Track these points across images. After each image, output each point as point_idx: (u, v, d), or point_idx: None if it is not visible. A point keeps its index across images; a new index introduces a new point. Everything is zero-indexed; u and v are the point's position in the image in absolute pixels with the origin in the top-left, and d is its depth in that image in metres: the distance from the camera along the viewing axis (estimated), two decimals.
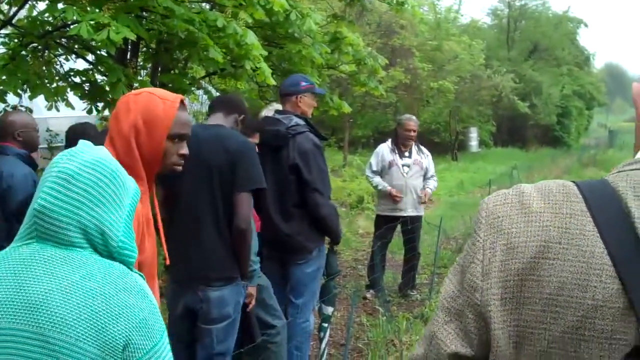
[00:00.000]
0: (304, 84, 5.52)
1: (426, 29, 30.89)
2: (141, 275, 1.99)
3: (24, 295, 1.77)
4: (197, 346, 4.29)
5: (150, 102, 2.69)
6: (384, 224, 8.51)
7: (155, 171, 2.77)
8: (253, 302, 4.53)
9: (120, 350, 1.77)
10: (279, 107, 5.68)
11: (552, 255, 1.43)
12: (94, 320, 1.76)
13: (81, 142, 1.99)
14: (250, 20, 6.41)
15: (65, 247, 1.84)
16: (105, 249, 1.89)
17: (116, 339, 1.76)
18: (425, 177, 8.60)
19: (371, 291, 8.46)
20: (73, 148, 1.96)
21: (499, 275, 1.48)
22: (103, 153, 1.96)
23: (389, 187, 8.35)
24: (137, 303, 1.84)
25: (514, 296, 1.45)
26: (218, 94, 10.11)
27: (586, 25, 49.08)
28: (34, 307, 1.75)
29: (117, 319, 1.78)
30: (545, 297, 1.42)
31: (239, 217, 4.13)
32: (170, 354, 1.94)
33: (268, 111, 5.89)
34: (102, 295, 1.79)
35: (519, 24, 46.00)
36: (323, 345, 5.69)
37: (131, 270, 1.95)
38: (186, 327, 4.30)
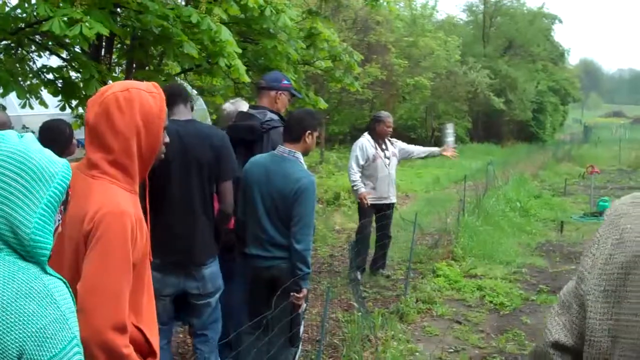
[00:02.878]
0: (285, 82, 5.79)
1: (402, 25, 31.03)
2: (60, 278, 1.90)
3: None
4: (192, 321, 4.83)
5: (143, 99, 2.65)
6: (370, 210, 9.26)
7: (148, 167, 2.76)
8: (304, 303, 4.93)
9: (15, 359, 1.69)
10: (241, 102, 5.88)
11: None
12: None
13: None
14: (224, 17, 6.39)
15: None
16: (22, 248, 1.81)
17: (9, 349, 1.68)
18: (405, 158, 9.81)
19: (358, 272, 8.71)
20: None
21: (604, 268, 1.52)
22: (14, 145, 1.84)
23: (363, 191, 9.12)
24: (38, 310, 1.74)
25: (617, 289, 1.48)
26: (194, 90, 10.09)
27: (561, 22, 49.47)
28: None
29: (12, 327, 1.70)
30: (630, 289, 1.44)
31: (226, 203, 4.72)
32: None
33: (229, 105, 6.05)
34: (0, 302, 1.71)
35: (495, 20, 46.20)
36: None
37: (45, 271, 1.86)
38: (168, 307, 4.61)
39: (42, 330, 1.73)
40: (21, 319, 1.71)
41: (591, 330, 1.51)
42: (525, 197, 16.73)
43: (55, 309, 1.78)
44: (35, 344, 1.71)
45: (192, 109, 4.89)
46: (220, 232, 4.80)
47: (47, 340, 1.74)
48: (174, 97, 4.70)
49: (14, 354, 1.69)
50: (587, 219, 14.57)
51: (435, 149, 10.14)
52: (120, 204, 2.55)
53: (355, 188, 9.33)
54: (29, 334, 1.71)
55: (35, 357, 1.71)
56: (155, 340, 2.74)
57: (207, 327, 4.77)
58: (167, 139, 2.85)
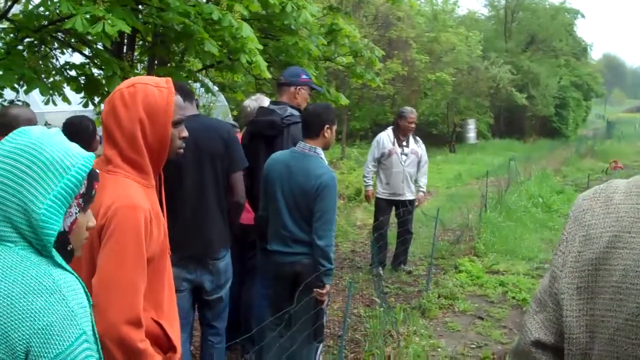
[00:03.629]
0: (304, 76, 5.78)
1: (423, 20, 30.89)
2: (72, 273, 1.92)
3: None
4: (204, 312, 4.83)
5: (148, 92, 2.66)
6: (385, 206, 9.39)
7: (162, 161, 2.77)
8: (326, 299, 4.97)
9: (22, 356, 1.71)
10: (262, 98, 5.90)
11: (621, 245, 1.48)
12: None
13: (18, 129, 1.95)
14: (245, 13, 6.41)
15: None
16: (34, 236, 1.84)
17: (17, 345, 1.70)
18: (419, 164, 9.39)
19: (380, 268, 8.79)
20: (5, 137, 1.93)
21: (574, 265, 1.54)
22: (28, 139, 1.90)
23: (369, 189, 9.65)
24: (45, 307, 1.75)
25: (589, 286, 1.50)
26: (215, 87, 10.12)
27: (583, 16, 49.17)
28: None
29: (19, 324, 1.71)
30: (612, 285, 1.46)
31: (238, 193, 4.75)
32: None
33: (250, 101, 6.08)
34: (9, 297, 1.73)
35: (516, 15, 45.86)
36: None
37: (56, 266, 1.88)
38: (187, 300, 4.60)
39: (48, 327, 1.74)
40: (28, 315, 1.72)
41: (569, 327, 1.53)
42: (547, 192, 16.61)
43: (63, 306, 1.79)
44: (42, 340, 1.73)
45: (197, 106, 4.97)
46: (233, 223, 4.84)
47: (54, 337, 1.75)
48: (180, 93, 4.75)
49: (22, 350, 1.71)
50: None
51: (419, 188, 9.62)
52: (133, 197, 2.57)
53: (363, 184, 9.92)
54: (35, 331, 1.72)
55: (41, 354, 1.73)
56: (175, 336, 2.75)
57: (217, 318, 4.84)
58: (184, 133, 2.87)
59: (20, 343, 1.70)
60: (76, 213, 1.98)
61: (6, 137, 1.91)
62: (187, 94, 4.78)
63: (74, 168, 1.92)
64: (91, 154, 2.03)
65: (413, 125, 9.34)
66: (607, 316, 1.46)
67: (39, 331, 1.72)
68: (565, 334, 1.55)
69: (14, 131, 1.93)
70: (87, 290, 1.97)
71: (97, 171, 2.09)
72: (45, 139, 1.91)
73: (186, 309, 4.60)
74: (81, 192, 1.97)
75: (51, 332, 1.74)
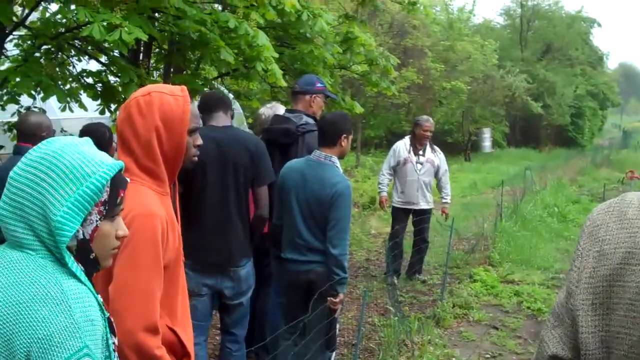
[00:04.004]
0: (319, 85, 5.79)
1: (439, 29, 30.92)
2: (86, 285, 1.92)
3: None
4: (224, 318, 4.91)
5: (164, 101, 2.67)
6: (401, 215, 9.42)
7: (177, 169, 2.77)
8: (339, 308, 4.98)
9: None
10: (278, 106, 5.92)
11: (634, 262, 1.47)
12: (2, 329, 1.73)
13: (47, 139, 1.97)
14: (261, 21, 6.42)
15: (18, 249, 1.85)
16: (57, 248, 1.86)
17: (18, 351, 1.71)
18: (437, 174, 9.38)
19: (395, 277, 8.77)
20: (33, 147, 1.96)
21: (589, 282, 1.53)
22: (50, 148, 1.92)
23: (383, 195, 9.66)
24: (48, 317, 1.75)
25: (604, 302, 1.49)
26: (231, 94, 10.14)
27: (599, 25, 48.96)
28: None
29: (21, 331, 1.73)
30: (626, 302, 1.45)
31: (261, 207, 4.83)
32: None
33: (266, 109, 6.08)
34: (17, 304, 1.74)
35: (532, 24, 45.76)
36: None
37: (73, 277, 1.88)
38: (206, 306, 4.73)
39: (48, 337, 1.74)
40: (31, 324, 1.73)
41: (585, 344, 1.52)
42: (563, 202, 16.55)
43: (67, 317, 1.79)
44: (41, 350, 1.73)
45: (232, 117, 5.01)
46: (255, 235, 4.90)
47: (53, 347, 1.74)
48: (213, 104, 4.91)
49: (22, 357, 1.71)
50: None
51: (442, 199, 9.74)
52: (150, 205, 2.57)
53: (378, 190, 9.94)
54: (35, 340, 1.72)
55: None
56: (189, 342, 2.76)
57: (236, 325, 4.89)
58: (199, 142, 2.88)
59: (21, 350, 1.71)
60: (97, 220, 1.97)
61: (34, 148, 1.94)
62: (223, 105, 4.92)
63: (94, 175, 1.92)
64: (120, 162, 2.03)
65: (429, 134, 9.30)
66: (621, 333, 1.45)
67: (39, 340, 1.73)
68: (582, 349, 1.54)
69: (42, 142, 1.95)
70: (101, 304, 1.96)
71: (127, 179, 2.10)
72: (68, 147, 1.93)
73: (204, 313, 4.71)
74: (103, 199, 1.97)
75: (51, 342, 1.74)
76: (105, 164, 1.97)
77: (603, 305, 1.49)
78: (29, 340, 1.72)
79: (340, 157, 5.01)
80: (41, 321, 1.74)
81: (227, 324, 4.89)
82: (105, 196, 1.97)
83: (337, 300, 4.81)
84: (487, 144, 36.62)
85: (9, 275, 1.80)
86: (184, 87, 2.78)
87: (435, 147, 9.57)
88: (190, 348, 2.75)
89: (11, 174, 1.88)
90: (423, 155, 9.25)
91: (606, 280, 1.50)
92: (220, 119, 4.86)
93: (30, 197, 1.85)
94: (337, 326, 5.39)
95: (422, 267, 9.73)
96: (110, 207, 2.00)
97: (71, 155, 1.91)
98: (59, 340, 1.75)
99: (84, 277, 1.92)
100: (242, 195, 4.75)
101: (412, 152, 9.22)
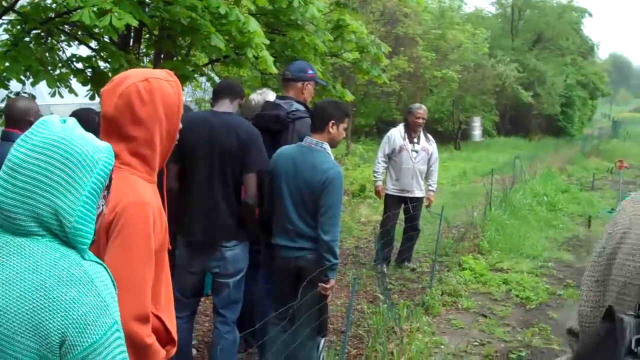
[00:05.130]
0: (310, 72, 5.80)
1: (430, 17, 30.83)
2: (100, 264, 1.92)
3: None
4: (214, 298, 5.04)
5: (164, 89, 2.64)
6: (394, 202, 9.38)
7: (166, 157, 2.75)
8: (330, 293, 4.98)
9: (57, 346, 1.72)
10: (269, 92, 5.92)
11: (625, 240, 1.55)
12: (32, 314, 1.71)
13: (40, 120, 1.91)
14: (252, 8, 6.42)
15: (22, 236, 1.80)
16: (64, 234, 1.83)
17: (52, 335, 1.71)
18: (429, 162, 9.37)
19: (384, 265, 8.79)
20: (28, 130, 1.89)
21: (597, 260, 1.61)
22: (58, 132, 1.87)
23: (379, 184, 9.51)
24: (79, 297, 1.76)
25: (605, 279, 1.58)
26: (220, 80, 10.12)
27: (590, 15, 48.95)
28: None
29: (54, 313, 1.72)
30: (620, 281, 1.53)
31: (248, 194, 4.82)
32: (120, 349, 1.87)
33: (256, 95, 6.07)
34: (44, 289, 1.73)
35: (523, 14, 45.80)
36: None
37: (84, 257, 1.87)
38: (195, 283, 4.95)
39: (83, 317, 1.75)
40: (63, 305, 1.73)
41: (583, 316, 1.60)
42: (552, 191, 16.60)
43: (96, 296, 1.80)
44: (77, 330, 1.74)
45: (239, 105, 5.15)
46: (246, 222, 4.91)
47: (89, 327, 1.76)
48: (221, 90, 5.08)
49: (56, 340, 1.72)
50: (614, 214, 14.41)
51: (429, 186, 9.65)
52: (142, 194, 2.56)
53: (373, 179, 9.81)
54: (70, 321, 1.73)
55: (77, 343, 1.74)
56: (173, 329, 2.75)
57: (225, 307, 4.96)
58: (180, 125, 2.87)
59: (56, 333, 1.71)
60: (102, 205, 1.98)
61: (31, 130, 1.88)
62: (231, 93, 5.04)
63: (100, 162, 1.91)
64: (108, 144, 2.01)
65: (421, 121, 9.26)
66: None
67: (74, 321, 1.74)
68: (580, 323, 1.61)
69: (38, 123, 1.90)
70: (114, 280, 1.97)
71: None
72: (72, 132, 1.90)
73: (191, 290, 4.96)
74: (107, 184, 1.97)
75: (86, 322, 1.75)
76: (103, 147, 1.96)
77: (603, 282, 1.56)
78: (64, 323, 1.72)
79: (332, 145, 5.01)
80: (72, 302, 1.75)
81: (215, 303, 5.02)
82: (107, 181, 1.97)
83: (328, 286, 4.82)
84: (477, 132, 36.69)
85: (22, 260, 1.77)
86: (171, 72, 2.76)
87: (429, 135, 9.59)
88: (174, 334, 2.75)
89: (14, 159, 1.82)
90: (418, 143, 9.25)
91: (607, 259, 1.57)
92: (223, 106, 4.98)
93: (42, 186, 1.80)
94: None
95: (412, 255, 9.75)
96: (108, 189, 2.01)
97: (78, 140, 1.88)
98: (93, 319, 1.77)
99: (94, 257, 1.93)
100: (228, 180, 4.82)
101: (407, 140, 9.21)
